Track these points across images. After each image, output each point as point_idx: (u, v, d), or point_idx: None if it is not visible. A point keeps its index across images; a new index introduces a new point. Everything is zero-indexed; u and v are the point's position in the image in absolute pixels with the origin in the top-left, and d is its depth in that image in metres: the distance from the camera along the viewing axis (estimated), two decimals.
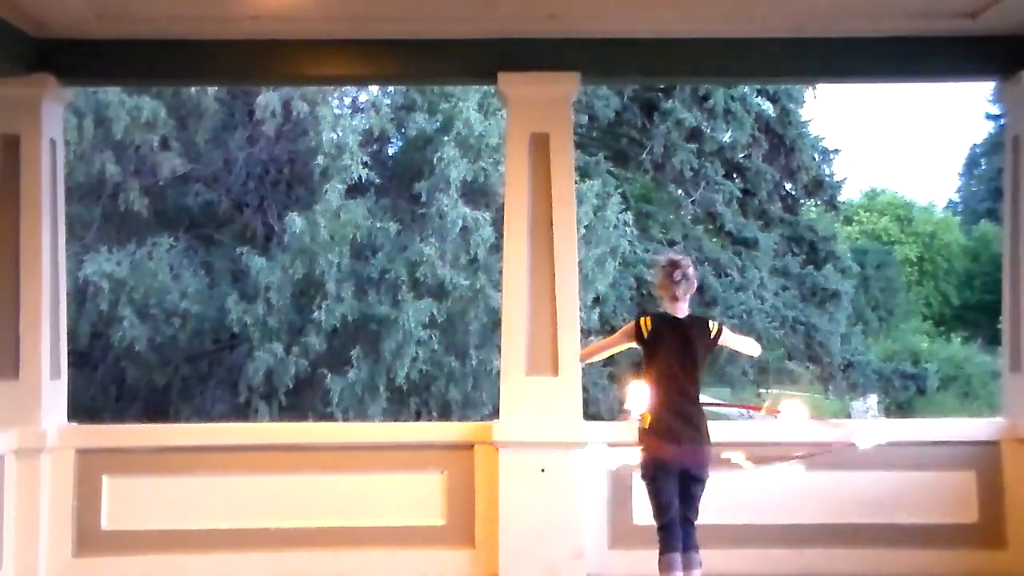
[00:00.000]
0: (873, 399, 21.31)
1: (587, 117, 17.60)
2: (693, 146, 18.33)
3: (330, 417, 12.46)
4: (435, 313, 12.81)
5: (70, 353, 5.99)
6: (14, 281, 5.34)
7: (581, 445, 5.26)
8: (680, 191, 19.40)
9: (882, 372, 19.77)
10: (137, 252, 13.05)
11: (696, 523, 4.35)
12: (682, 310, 4.37)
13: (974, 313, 34.88)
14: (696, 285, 4.43)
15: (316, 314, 12.60)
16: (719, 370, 17.99)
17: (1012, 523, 5.39)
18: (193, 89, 13.18)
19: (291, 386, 12.71)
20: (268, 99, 13.18)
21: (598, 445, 5.26)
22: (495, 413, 6.43)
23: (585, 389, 6.19)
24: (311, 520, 5.41)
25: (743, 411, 5.04)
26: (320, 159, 12.99)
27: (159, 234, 13.47)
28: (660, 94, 18.24)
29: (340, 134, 13.17)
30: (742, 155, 19.70)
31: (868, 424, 4.77)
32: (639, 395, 4.34)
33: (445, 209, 12.94)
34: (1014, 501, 5.40)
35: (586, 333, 13.71)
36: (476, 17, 5.26)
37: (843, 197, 23.50)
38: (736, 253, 18.88)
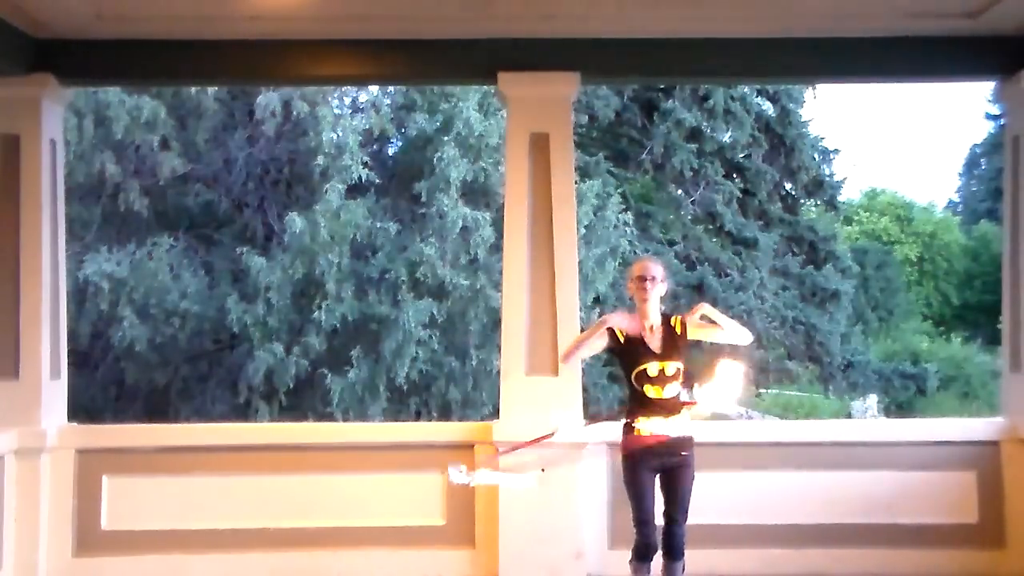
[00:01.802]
0: (873, 399, 21.32)
1: (587, 117, 17.60)
2: (693, 146, 18.34)
3: (330, 417, 12.44)
4: (435, 313, 12.80)
5: (70, 353, 5.99)
6: (14, 281, 5.34)
7: (581, 445, 5.26)
8: (680, 191, 19.41)
9: (882, 372, 19.77)
10: (137, 252, 13.05)
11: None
12: None
13: (974, 313, 34.86)
14: None
15: (316, 314, 12.60)
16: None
17: (1012, 523, 5.39)
18: (193, 89, 13.17)
19: (291, 386, 12.70)
20: (268, 99, 13.17)
21: (599, 446, 5.26)
22: (495, 413, 6.43)
23: (585, 389, 6.18)
24: (311, 520, 5.41)
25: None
26: (320, 159, 12.99)
27: (159, 234, 13.46)
28: (660, 94, 18.24)
29: (340, 134, 13.16)
30: (742, 155, 19.71)
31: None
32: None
33: (445, 209, 12.93)
34: (1014, 501, 5.39)
35: None
36: (476, 17, 5.26)
37: (843, 197, 23.52)
38: (736, 253, 18.89)
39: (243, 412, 12.88)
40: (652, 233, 18.65)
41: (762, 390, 20.95)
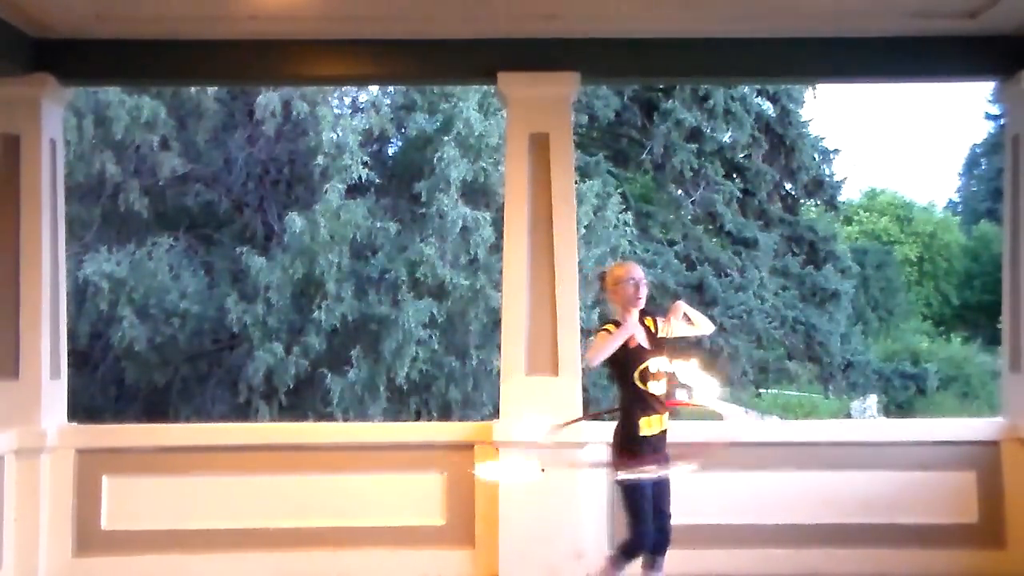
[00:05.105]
0: (872, 399, 21.31)
1: (587, 117, 17.61)
2: (693, 146, 18.35)
3: (330, 417, 12.46)
4: (435, 313, 12.82)
5: (70, 353, 5.99)
6: (14, 281, 5.34)
7: (581, 445, 5.26)
8: (680, 191, 19.42)
9: (882, 372, 19.78)
10: (137, 252, 13.06)
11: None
12: None
13: (974, 313, 34.85)
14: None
15: (316, 314, 12.61)
16: (718, 370, 18.01)
17: (1012, 523, 5.39)
18: (193, 89, 13.18)
19: (291, 386, 12.71)
20: (268, 99, 13.19)
21: (598, 445, 5.26)
22: (495, 413, 6.43)
23: (585, 389, 6.18)
24: (311, 520, 5.40)
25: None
26: (320, 159, 13.01)
27: (159, 234, 13.49)
28: (660, 94, 18.25)
29: (340, 134, 13.18)
30: (742, 155, 19.73)
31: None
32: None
33: (445, 209, 12.94)
34: (1014, 501, 5.39)
35: (586, 333, 13.68)
36: (476, 17, 5.26)
37: (843, 197, 23.52)
38: (736, 253, 18.90)
39: (243, 412, 12.89)
40: (652, 233, 18.67)
41: (762, 390, 20.96)
